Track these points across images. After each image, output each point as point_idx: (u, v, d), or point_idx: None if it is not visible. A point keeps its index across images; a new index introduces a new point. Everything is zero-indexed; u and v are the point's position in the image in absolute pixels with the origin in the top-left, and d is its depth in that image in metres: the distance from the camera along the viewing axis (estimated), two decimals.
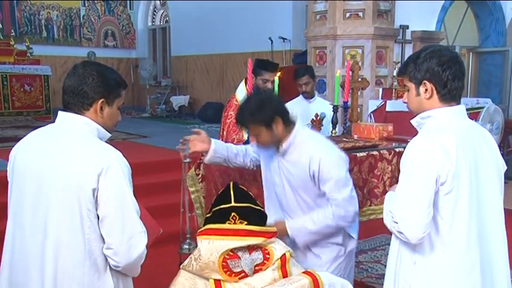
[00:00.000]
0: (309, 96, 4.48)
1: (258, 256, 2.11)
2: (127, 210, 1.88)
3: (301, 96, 4.55)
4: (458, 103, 2.04)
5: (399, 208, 1.95)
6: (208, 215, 2.22)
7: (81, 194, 1.82)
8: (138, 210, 1.95)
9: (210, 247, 2.09)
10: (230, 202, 2.15)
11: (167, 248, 3.57)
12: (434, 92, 1.99)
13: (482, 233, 1.98)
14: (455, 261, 1.95)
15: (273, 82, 3.70)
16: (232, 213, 2.12)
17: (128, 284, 2.07)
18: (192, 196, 3.28)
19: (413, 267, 2.01)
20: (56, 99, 10.05)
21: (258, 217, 2.18)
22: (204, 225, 2.21)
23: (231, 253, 2.08)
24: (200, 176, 3.24)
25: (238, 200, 2.16)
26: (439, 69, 1.96)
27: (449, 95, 2.00)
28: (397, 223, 1.94)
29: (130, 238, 1.88)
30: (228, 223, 2.13)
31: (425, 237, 1.93)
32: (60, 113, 1.99)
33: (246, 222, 2.12)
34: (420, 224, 1.89)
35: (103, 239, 1.88)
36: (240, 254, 2.09)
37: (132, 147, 7.15)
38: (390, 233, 2.08)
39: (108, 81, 1.97)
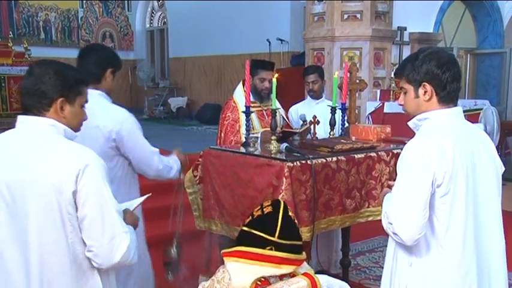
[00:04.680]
0: (315, 95, 4.45)
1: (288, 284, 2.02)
2: (106, 210, 1.82)
3: (308, 97, 4.53)
4: (455, 105, 2.04)
5: (395, 209, 1.95)
6: (245, 228, 2.03)
7: (61, 199, 1.76)
8: (120, 211, 1.90)
9: (241, 271, 1.97)
10: (273, 236, 1.96)
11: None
12: (434, 94, 1.99)
13: (479, 235, 1.98)
14: (451, 263, 1.94)
15: (270, 81, 3.69)
16: (271, 246, 1.96)
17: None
18: (190, 198, 3.28)
19: (410, 269, 2.01)
20: None
21: (295, 250, 2.02)
22: (235, 244, 2.04)
23: (263, 279, 2.02)
24: (197, 177, 3.25)
25: (283, 236, 1.97)
26: (439, 71, 1.96)
27: (448, 97, 2.00)
28: (392, 224, 1.94)
29: (111, 239, 1.82)
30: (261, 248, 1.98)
31: (421, 238, 1.93)
32: (20, 117, 1.89)
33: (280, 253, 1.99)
34: (415, 226, 1.89)
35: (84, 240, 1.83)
36: (271, 280, 2.02)
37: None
38: (387, 235, 2.08)
39: (67, 78, 1.89)
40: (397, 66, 7.18)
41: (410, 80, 2.03)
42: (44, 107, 1.86)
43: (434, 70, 1.96)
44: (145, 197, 2.32)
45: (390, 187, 2.17)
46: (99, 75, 2.72)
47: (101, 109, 2.63)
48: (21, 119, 1.89)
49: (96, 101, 2.55)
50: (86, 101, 2.01)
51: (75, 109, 1.93)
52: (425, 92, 1.99)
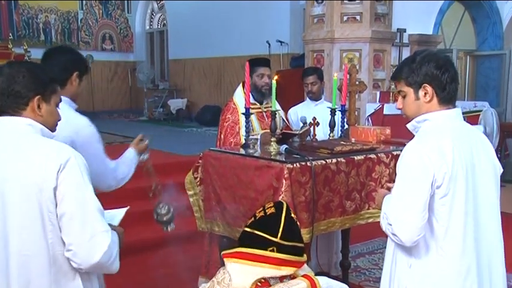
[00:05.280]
0: (314, 97, 4.45)
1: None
2: (87, 207, 1.77)
3: (308, 99, 4.54)
4: (454, 106, 2.05)
5: (394, 210, 1.96)
6: (247, 229, 2.03)
7: (42, 197, 1.72)
8: (101, 209, 1.84)
9: (242, 272, 1.97)
10: (276, 237, 1.96)
11: (165, 251, 3.58)
12: (434, 95, 2.00)
13: (478, 236, 1.98)
14: (451, 265, 1.95)
15: (269, 76, 3.71)
16: (273, 247, 1.96)
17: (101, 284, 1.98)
18: (191, 199, 3.29)
19: (409, 270, 2.01)
20: None
21: (297, 252, 2.02)
22: (237, 244, 2.03)
23: (263, 280, 2.03)
24: (198, 179, 3.25)
25: (285, 237, 1.97)
26: (438, 72, 1.97)
27: (448, 97, 2.01)
28: (391, 225, 1.95)
29: (91, 237, 1.75)
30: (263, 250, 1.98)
31: (421, 240, 1.94)
32: None
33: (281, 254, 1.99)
34: (415, 227, 1.90)
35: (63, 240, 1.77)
36: (272, 282, 2.03)
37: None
38: (387, 236, 2.08)
39: (41, 76, 1.87)
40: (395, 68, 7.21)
41: (409, 82, 2.03)
42: (21, 106, 1.83)
43: (433, 71, 1.98)
44: (125, 210, 2.24)
45: (389, 189, 2.18)
46: (64, 79, 2.53)
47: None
48: None
49: None
50: (60, 100, 1.98)
51: (51, 107, 1.90)
52: (425, 93, 2.00)
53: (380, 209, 2.12)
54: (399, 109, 2.14)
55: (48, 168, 1.73)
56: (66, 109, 2.44)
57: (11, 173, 1.74)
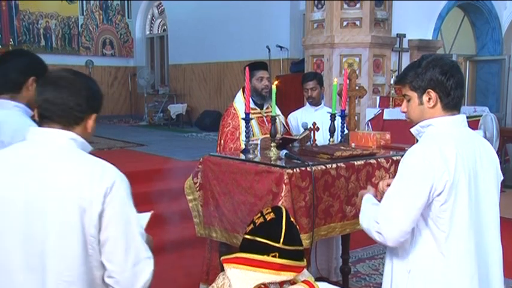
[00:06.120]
0: (313, 102, 4.45)
1: None
2: (131, 232, 1.70)
3: (307, 104, 4.54)
4: (459, 112, 2.04)
5: (385, 208, 1.96)
6: (247, 237, 2.01)
7: (85, 219, 1.63)
8: (143, 233, 1.78)
9: (242, 278, 1.95)
10: (278, 242, 1.94)
11: (166, 257, 3.57)
12: (438, 100, 1.99)
13: (479, 241, 1.98)
14: (453, 271, 1.94)
15: (268, 79, 3.72)
16: (275, 253, 1.94)
17: None
18: (190, 205, 3.28)
19: (408, 276, 2.00)
20: None
21: (298, 256, 2.02)
22: (239, 249, 2.03)
23: (263, 286, 2.01)
24: (198, 184, 3.24)
25: (287, 242, 1.95)
26: (443, 78, 1.96)
27: (452, 103, 2.00)
28: (378, 223, 1.95)
29: (134, 265, 1.69)
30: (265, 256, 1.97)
31: (420, 246, 1.94)
32: (35, 129, 1.75)
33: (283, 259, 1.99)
34: (399, 230, 1.91)
35: (103, 264, 1.69)
36: (271, 287, 2.02)
37: (130, 156, 7.15)
38: None
39: (99, 93, 1.83)
40: (396, 73, 7.23)
41: (414, 87, 2.02)
42: (77, 121, 1.75)
43: (438, 77, 1.96)
44: (149, 214, 2.16)
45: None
46: (20, 83, 2.37)
47: (7, 123, 2.27)
48: (37, 131, 1.74)
49: (7, 113, 2.31)
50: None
51: (94, 124, 1.84)
52: (429, 98, 1.99)
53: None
54: (403, 112, 2.14)
55: (93, 190, 1.63)
56: (20, 116, 2.34)
57: (52, 191, 1.63)
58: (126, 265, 1.68)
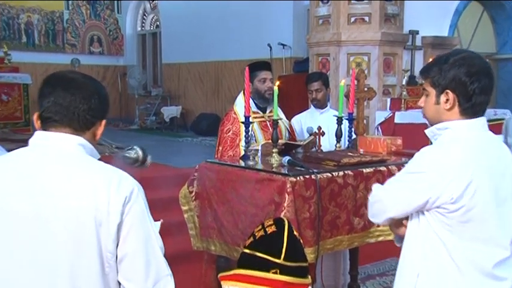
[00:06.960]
0: (319, 105, 4.46)
1: None
2: (151, 246, 1.67)
3: (312, 106, 4.55)
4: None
5: (383, 189, 2.10)
6: (246, 251, 2.02)
7: (102, 233, 1.59)
8: (162, 246, 1.74)
9: None
10: (279, 258, 1.93)
11: None
12: (456, 104, 1.97)
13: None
14: (465, 279, 1.95)
15: (271, 80, 3.73)
16: (276, 269, 1.94)
17: None
18: (185, 216, 3.29)
19: (417, 280, 2.02)
20: (36, 110, 10.06)
21: (301, 273, 2.01)
22: (237, 266, 2.03)
23: None
24: (194, 193, 3.24)
25: (289, 257, 1.95)
26: (467, 80, 1.93)
27: (472, 110, 1.98)
28: (373, 197, 2.13)
29: (155, 283, 1.66)
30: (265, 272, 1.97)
31: (429, 251, 1.97)
32: (42, 133, 1.72)
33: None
34: (388, 216, 2.07)
35: (120, 284, 1.66)
36: None
37: (119, 162, 7.15)
38: (399, 256, 2.11)
39: (108, 98, 1.86)
40: (408, 73, 7.24)
41: (434, 83, 2.00)
42: (88, 126, 1.75)
43: (462, 78, 1.93)
44: (159, 223, 2.08)
45: None
46: None
47: None
48: (44, 136, 1.71)
49: None
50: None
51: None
52: (447, 100, 1.97)
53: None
54: (420, 107, 2.15)
55: (111, 200, 1.60)
56: None
57: (63, 201, 1.60)
58: (146, 284, 1.65)
